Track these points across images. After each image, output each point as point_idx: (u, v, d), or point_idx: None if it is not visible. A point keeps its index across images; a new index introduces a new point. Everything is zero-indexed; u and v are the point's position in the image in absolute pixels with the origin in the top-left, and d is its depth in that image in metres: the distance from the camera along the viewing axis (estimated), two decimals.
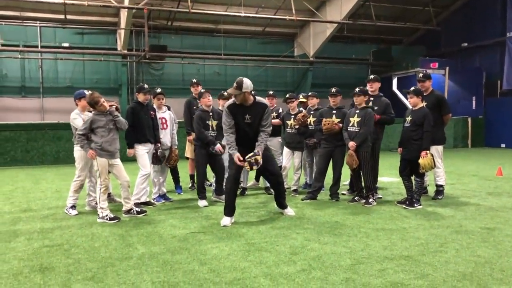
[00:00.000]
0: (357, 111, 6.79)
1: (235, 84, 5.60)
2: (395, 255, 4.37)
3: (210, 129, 7.06)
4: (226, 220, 5.71)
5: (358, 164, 6.66)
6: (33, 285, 3.73)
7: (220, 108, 7.57)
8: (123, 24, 16.83)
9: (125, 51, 17.54)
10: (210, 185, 8.22)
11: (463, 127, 18.88)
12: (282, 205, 6.26)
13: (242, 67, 20.13)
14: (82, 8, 16.21)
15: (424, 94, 6.84)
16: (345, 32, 19.79)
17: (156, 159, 6.98)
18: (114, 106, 5.98)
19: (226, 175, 6.87)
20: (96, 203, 6.70)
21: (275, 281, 3.71)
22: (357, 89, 6.83)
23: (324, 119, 7.07)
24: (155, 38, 18.47)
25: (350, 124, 6.81)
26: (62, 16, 16.03)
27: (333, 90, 7.26)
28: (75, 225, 5.77)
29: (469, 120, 18.82)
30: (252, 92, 5.81)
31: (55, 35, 17.69)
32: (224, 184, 6.61)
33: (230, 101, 5.86)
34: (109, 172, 6.06)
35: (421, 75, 7.30)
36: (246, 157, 5.65)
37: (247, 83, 5.60)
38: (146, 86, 6.94)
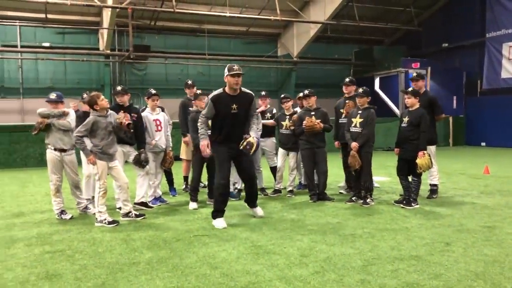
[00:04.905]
0: (360, 112, 6.82)
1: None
2: (404, 255, 4.39)
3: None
4: (220, 223, 5.67)
5: (361, 165, 6.68)
6: None
7: None
8: (105, 23, 16.55)
9: (108, 51, 17.26)
10: (204, 186, 8.14)
11: (445, 126, 19.15)
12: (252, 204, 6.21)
13: None
14: (63, 8, 15.87)
15: None
16: (328, 32, 19.90)
17: (138, 163, 6.66)
18: (127, 123, 5.93)
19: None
20: (86, 208, 6.59)
21: (291, 284, 3.68)
22: (360, 90, 6.87)
23: (307, 118, 7.13)
24: (139, 38, 18.19)
25: (353, 125, 6.84)
26: (42, 15, 15.71)
27: (306, 92, 7.45)
28: (73, 230, 5.63)
29: (451, 119, 19.14)
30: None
31: (35, 34, 17.21)
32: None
33: (215, 92, 5.80)
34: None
35: (415, 74, 7.37)
36: (240, 146, 5.65)
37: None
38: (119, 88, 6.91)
